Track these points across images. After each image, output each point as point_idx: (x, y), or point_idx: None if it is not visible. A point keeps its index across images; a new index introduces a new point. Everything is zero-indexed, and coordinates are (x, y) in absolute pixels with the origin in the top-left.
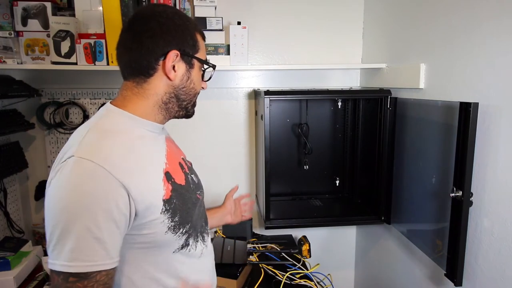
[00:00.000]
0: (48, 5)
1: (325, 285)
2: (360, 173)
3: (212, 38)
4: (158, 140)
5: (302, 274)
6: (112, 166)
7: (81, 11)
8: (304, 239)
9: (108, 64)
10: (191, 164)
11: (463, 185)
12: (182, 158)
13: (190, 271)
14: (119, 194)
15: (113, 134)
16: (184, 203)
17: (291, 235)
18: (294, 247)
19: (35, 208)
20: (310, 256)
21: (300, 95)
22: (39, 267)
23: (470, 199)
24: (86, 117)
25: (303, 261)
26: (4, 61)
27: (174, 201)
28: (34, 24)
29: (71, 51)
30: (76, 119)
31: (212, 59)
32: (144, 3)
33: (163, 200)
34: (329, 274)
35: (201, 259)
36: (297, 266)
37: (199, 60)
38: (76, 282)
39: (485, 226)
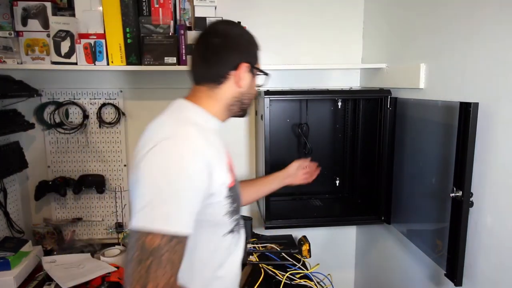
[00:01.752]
0: (48, 5)
1: (325, 285)
2: (360, 173)
3: None
4: (219, 136)
5: (302, 274)
6: (203, 148)
7: (81, 11)
8: (304, 239)
9: (108, 64)
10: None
11: (463, 185)
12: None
13: (227, 256)
14: (206, 172)
15: (198, 125)
16: (239, 194)
17: (291, 235)
18: (294, 247)
19: (35, 208)
20: (310, 256)
21: (300, 95)
22: (39, 267)
23: (470, 199)
24: (86, 117)
25: (303, 261)
26: (4, 61)
27: (235, 190)
28: (34, 24)
29: (71, 51)
30: (76, 119)
31: None
32: (144, 3)
33: (228, 187)
34: (329, 274)
35: (238, 247)
36: (297, 266)
37: (260, 70)
38: (172, 241)
39: (485, 226)
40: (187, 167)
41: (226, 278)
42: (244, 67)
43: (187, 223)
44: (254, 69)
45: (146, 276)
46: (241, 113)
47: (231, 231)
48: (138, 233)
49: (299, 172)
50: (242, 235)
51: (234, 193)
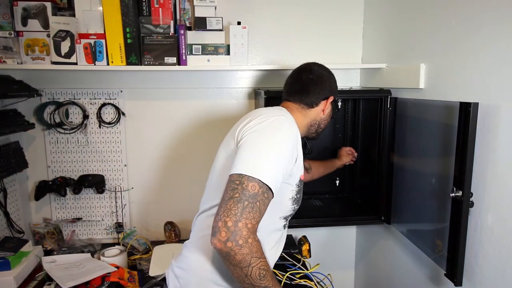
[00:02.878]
0: (48, 5)
1: (325, 285)
2: (360, 173)
3: (212, 38)
4: None
5: (302, 274)
6: (298, 134)
7: (81, 11)
8: (304, 239)
9: (108, 64)
10: None
11: (463, 185)
12: None
13: (272, 239)
14: (295, 153)
15: (292, 120)
16: (301, 192)
17: (291, 235)
18: (294, 247)
19: (35, 208)
20: (310, 256)
21: None
22: (39, 267)
23: (470, 199)
24: (86, 117)
25: (303, 261)
26: (4, 61)
27: (302, 184)
28: (34, 24)
29: (71, 51)
30: (76, 119)
31: (212, 59)
32: (144, 3)
33: (300, 178)
34: (329, 274)
35: (281, 239)
36: (297, 266)
37: (336, 102)
38: (265, 194)
39: (485, 226)
40: (289, 140)
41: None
42: (331, 99)
43: (276, 184)
44: (334, 102)
45: (240, 214)
46: (315, 135)
47: (286, 217)
48: (243, 177)
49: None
50: (284, 235)
51: (301, 186)
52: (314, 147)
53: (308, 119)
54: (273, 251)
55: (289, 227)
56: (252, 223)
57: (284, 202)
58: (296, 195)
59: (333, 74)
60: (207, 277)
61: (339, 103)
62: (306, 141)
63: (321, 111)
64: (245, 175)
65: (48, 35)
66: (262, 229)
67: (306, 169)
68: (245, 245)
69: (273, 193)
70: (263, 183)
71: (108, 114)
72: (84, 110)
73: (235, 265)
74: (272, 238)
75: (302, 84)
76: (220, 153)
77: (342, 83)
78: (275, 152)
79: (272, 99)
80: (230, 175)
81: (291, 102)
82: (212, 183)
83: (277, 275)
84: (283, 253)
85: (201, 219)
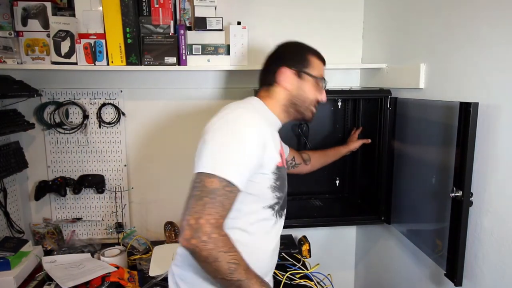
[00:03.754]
0: (48, 5)
1: (325, 285)
2: (360, 173)
3: (212, 38)
4: (277, 132)
5: (302, 274)
6: (261, 122)
7: (81, 11)
8: (304, 239)
9: (108, 64)
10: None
11: (463, 185)
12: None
13: (264, 230)
14: (261, 143)
15: (257, 112)
16: (285, 178)
17: (291, 235)
18: (294, 247)
19: (35, 208)
20: (310, 256)
21: None
22: (39, 267)
23: (470, 199)
24: (86, 117)
25: (303, 261)
26: (4, 61)
27: (281, 171)
28: (34, 24)
29: (71, 51)
30: (76, 119)
31: (212, 59)
32: (144, 3)
33: (276, 165)
34: (329, 274)
35: (274, 228)
36: (297, 266)
37: (309, 74)
38: (227, 188)
39: (485, 226)
40: (249, 132)
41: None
42: (283, 70)
43: (241, 177)
44: (303, 73)
45: (201, 211)
46: (300, 116)
47: (271, 207)
48: (202, 175)
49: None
50: (279, 223)
51: (280, 173)
52: (314, 147)
53: (280, 100)
54: (266, 239)
55: (289, 227)
56: (215, 218)
57: (263, 191)
58: (275, 182)
59: (296, 44)
60: (199, 273)
61: (325, 83)
62: (306, 141)
63: (284, 88)
64: (204, 172)
65: (48, 35)
66: (246, 220)
67: (305, 161)
68: (209, 240)
69: (238, 186)
70: (222, 178)
71: (108, 114)
72: (84, 110)
73: (203, 261)
74: (261, 228)
75: (263, 66)
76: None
77: (342, 83)
78: (233, 146)
79: None
80: (194, 174)
81: (260, 89)
82: None
83: (277, 275)
84: (283, 253)
85: None
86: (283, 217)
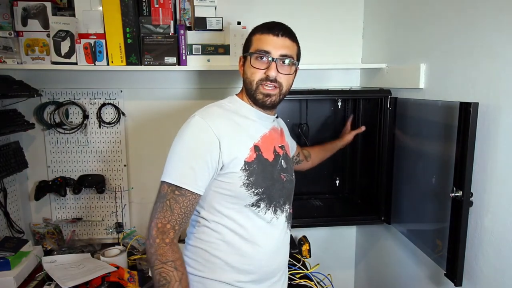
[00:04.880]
0: (48, 5)
1: (325, 285)
2: (360, 173)
3: (212, 38)
4: (261, 125)
5: (302, 274)
6: (214, 124)
7: (81, 11)
8: (304, 239)
9: (108, 64)
10: (287, 154)
11: (463, 185)
12: (280, 146)
13: (257, 230)
14: (213, 143)
15: (225, 108)
16: (264, 171)
17: (291, 235)
18: (294, 247)
19: (35, 208)
20: (310, 256)
21: (300, 95)
22: (39, 267)
23: (470, 199)
24: (86, 117)
25: (303, 261)
26: (4, 61)
27: (254, 166)
28: (34, 24)
29: (71, 51)
30: (76, 119)
31: (212, 59)
32: (144, 3)
33: (245, 160)
34: (329, 274)
35: (271, 226)
36: (297, 266)
37: (248, 54)
38: (175, 191)
39: (485, 226)
40: (193, 135)
41: (251, 256)
42: (240, 59)
43: (190, 180)
44: (246, 56)
45: (153, 215)
46: (253, 100)
47: (254, 204)
48: (160, 183)
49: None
50: (279, 220)
51: (252, 168)
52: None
53: (244, 88)
54: (263, 239)
55: None
56: (162, 223)
57: (237, 191)
58: (248, 179)
59: (253, 30)
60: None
61: (267, 55)
62: (306, 141)
63: (242, 76)
64: (161, 181)
65: (48, 35)
66: (233, 221)
67: (305, 157)
68: (152, 244)
69: (189, 189)
70: (169, 183)
71: (108, 114)
72: (84, 110)
73: (147, 261)
74: (254, 227)
75: None
76: None
77: (342, 83)
78: (178, 151)
79: None
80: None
81: None
82: None
83: None
84: None
85: None
86: (285, 213)
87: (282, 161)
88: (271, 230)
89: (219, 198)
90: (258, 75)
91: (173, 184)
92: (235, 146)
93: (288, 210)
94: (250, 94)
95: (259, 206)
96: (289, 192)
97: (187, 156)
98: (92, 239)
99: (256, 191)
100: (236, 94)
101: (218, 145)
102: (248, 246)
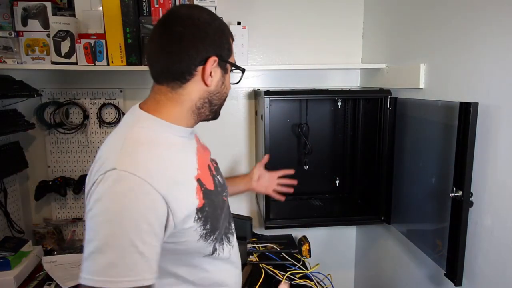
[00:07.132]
0: (48, 5)
1: (325, 285)
2: (360, 173)
3: None
4: (189, 145)
5: (302, 274)
6: (153, 180)
7: (81, 11)
8: (304, 239)
9: (108, 64)
10: (216, 163)
11: (463, 185)
12: (210, 159)
13: (218, 270)
14: (160, 207)
15: (149, 145)
16: (215, 209)
17: (291, 235)
18: (294, 247)
19: (35, 208)
20: (310, 256)
21: (300, 95)
22: (39, 267)
23: (470, 199)
24: (86, 117)
25: (303, 261)
26: (4, 61)
27: (206, 208)
28: (34, 24)
29: (71, 51)
30: (76, 119)
31: None
32: (144, 3)
33: (196, 209)
34: (329, 274)
35: (230, 259)
36: (297, 266)
37: (233, 65)
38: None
39: (485, 226)
40: (138, 206)
41: None
42: (212, 62)
43: (144, 271)
44: (227, 63)
45: None
46: (212, 116)
47: (213, 252)
48: None
49: (270, 181)
50: (232, 245)
51: (205, 212)
52: (314, 147)
53: (188, 103)
54: (227, 268)
55: (289, 227)
56: None
57: (194, 246)
58: (203, 229)
59: (218, 20)
60: None
61: (240, 65)
62: (306, 141)
63: (202, 83)
64: (97, 287)
65: (48, 35)
66: (185, 279)
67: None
68: None
69: (151, 278)
70: None
71: (108, 114)
72: (84, 110)
73: None
74: (216, 267)
75: (162, 47)
76: None
77: (342, 83)
78: (127, 232)
79: (272, 100)
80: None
81: (159, 86)
82: None
83: (277, 275)
84: (283, 253)
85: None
86: (233, 231)
87: (218, 177)
88: (233, 261)
89: (169, 260)
90: (229, 90)
91: None
92: (184, 198)
93: (233, 226)
94: (211, 108)
95: (216, 250)
96: (229, 209)
97: (129, 237)
98: None
99: (213, 237)
100: (143, 108)
101: (166, 207)
102: (215, 282)
